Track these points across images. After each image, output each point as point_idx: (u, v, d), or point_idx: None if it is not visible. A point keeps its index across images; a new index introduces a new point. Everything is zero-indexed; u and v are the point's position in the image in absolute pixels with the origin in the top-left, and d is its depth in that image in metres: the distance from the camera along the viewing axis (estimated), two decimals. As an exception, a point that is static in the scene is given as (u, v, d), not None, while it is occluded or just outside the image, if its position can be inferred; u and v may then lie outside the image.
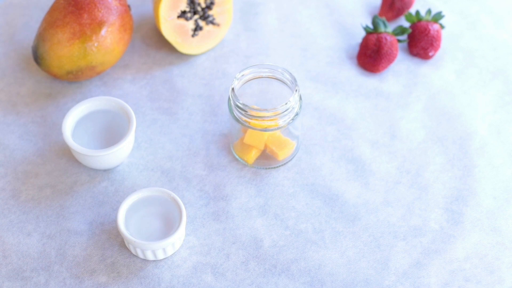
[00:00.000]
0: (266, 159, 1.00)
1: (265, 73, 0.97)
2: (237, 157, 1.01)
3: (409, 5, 1.13)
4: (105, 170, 1.00)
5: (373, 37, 1.09)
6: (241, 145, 1.00)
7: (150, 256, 0.92)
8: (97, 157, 0.95)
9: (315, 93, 1.07)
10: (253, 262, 0.93)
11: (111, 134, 1.00)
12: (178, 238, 0.92)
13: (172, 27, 1.07)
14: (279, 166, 1.00)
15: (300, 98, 0.96)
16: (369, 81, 1.08)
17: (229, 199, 0.98)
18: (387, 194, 0.98)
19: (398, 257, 0.93)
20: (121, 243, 0.94)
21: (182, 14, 1.07)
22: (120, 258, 0.93)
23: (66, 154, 1.02)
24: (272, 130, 0.95)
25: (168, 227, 0.93)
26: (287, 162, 1.01)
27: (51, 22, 1.02)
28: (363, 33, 1.13)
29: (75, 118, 0.98)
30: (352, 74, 1.09)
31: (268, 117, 0.94)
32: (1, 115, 1.05)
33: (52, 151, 1.02)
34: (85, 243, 0.94)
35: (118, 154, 0.96)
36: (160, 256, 0.92)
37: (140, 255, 0.93)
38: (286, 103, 0.93)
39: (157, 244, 0.90)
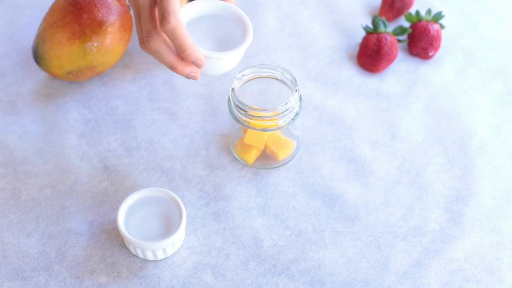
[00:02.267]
0: (266, 159, 1.00)
1: (265, 73, 0.97)
2: (237, 157, 1.01)
3: (409, 5, 1.13)
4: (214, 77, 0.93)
5: (373, 37, 1.09)
6: (241, 145, 1.00)
7: (150, 256, 0.92)
8: (218, 60, 0.87)
9: (315, 93, 1.07)
10: (253, 262, 0.93)
11: (221, 39, 0.91)
12: (178, 238, 0.92)
13: (172, 27, 1.07)
14: (279, 166, 1.00)
15: (300, 98, 0.96)
16: (369, 81, 1.08)
17: (229, 199, 0.98)
18: (387, 194, 0.98)
19: (398, 257, 0.93)
20: (121, 243, 0.94)
21: (182, 14, 1.07)
22: (120, 258, 0.93)
23: (66, 154, 1.02)
24: (272, 130, 0.95)
25: (168, 227, 0.93)
26: (287, 162, 1.01)
27: (51, 22, 1.02)
28: (363, 33, 1.13)
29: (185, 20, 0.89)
30: (352, 74, 1.09)
31: (268, 117, 0.94)
32: (1, 115, 1.05)
33: (52, 151, 1.02)
34: (85, 243, 0.94)
35: (236, 59, 0.89)
36: (160, 256, 0.92)
37: (140, 255, 0.93)
38: (286, 103, 0.93)
39: (157, 244, 0.90)
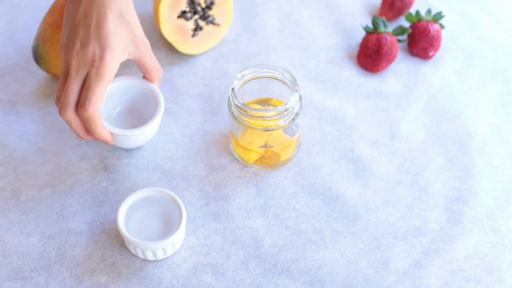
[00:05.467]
0: (266, 159, 1.00)
1: (265, 73, 0.97)
2: (237, 157, 1.01)
3: (409, 5, 1.13)
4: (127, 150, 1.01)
5: (373, 37, 1.09)
6: (241, 145, 1.00)
7: (150, 256, 0.92)
8: (126, 137, 0.96)
9: (315, 93, 1.07)
10: (253, 262, 0.93)
11: (138, 113, 1.01)
12: (178, 238, 0.92)
13: (172, 27, 1.07)
14: (279, 166, 1.00)
15: (300, 98, 0.96)
16: (369, 81, 1.08)
17: (229, 199, 0.98)
18: (387, 194, 0.98)
19: (398, 257, 0.93)
20: (121, 243, 0.94)
21: (182, 14, 1.07)
22: (120, 258, 0.93)
23: (66, 154, 1.02)
24: (272, 130, 0.95)
25: (168, 227, 0.93)
26: (287, 162, 1.01)
27: (51, 22, 1.02)
28: (363, 33, 1.13)
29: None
30: (352, 74, 1.09)
31: (268, 117, 0.94)
32: (1, 115, 1.05)
33: (52, 151, 1.02)
34: (85, 243, 0.94)
35: (145, 135, 0.97)
36: (160, 256, 0.92)
37: (140, 255, 0.93)
38: (286, 103, 0.93)
39: (157, 244, 0.90)
